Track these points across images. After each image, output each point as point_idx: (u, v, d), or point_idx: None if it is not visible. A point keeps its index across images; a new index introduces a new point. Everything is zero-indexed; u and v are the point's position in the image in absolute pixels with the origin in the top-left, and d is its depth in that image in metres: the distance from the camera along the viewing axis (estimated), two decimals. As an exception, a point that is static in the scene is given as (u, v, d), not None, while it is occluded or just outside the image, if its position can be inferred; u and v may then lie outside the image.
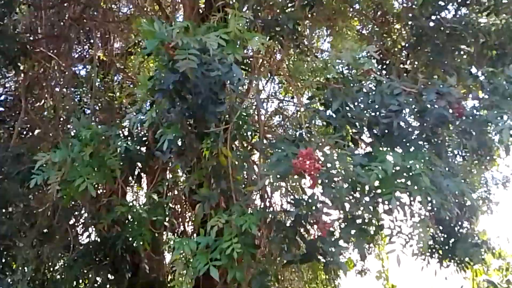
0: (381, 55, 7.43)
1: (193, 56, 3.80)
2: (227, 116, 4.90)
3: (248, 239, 4.23)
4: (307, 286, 10.12)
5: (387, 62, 7.58)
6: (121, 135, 5.08)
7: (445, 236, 6.67)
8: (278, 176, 4.10)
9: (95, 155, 4.77)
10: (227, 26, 4.30)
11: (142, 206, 5.48)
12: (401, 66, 7.61)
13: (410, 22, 7.46)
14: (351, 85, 4.67)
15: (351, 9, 8.12)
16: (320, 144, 4.21)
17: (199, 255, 4.16)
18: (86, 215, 7.79)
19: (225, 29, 4.18)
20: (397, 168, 3.95)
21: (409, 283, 11.66)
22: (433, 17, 6.72)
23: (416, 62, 7.54)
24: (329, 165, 3.96)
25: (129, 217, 5.56)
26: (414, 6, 7.44)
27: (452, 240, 6.68)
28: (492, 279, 11.15)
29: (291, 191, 4.79)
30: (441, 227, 6.25)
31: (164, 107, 4.36)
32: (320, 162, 3.88)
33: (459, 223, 6.85)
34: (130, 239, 5.24)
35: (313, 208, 4.17)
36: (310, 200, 4.21)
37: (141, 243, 5.27)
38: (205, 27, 4.31)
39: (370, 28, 8.90)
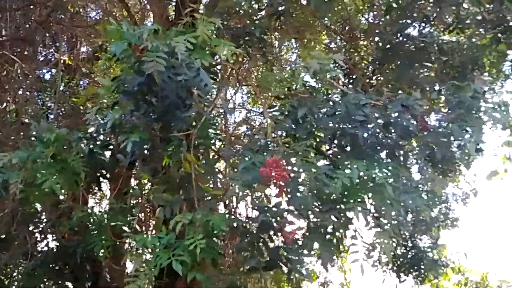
0: (347, 70, 7.54)
1: (160, 59, 3.76)
2: (193, 122, 4.84)
3: (212, 242, 4.11)
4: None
5: (354, 76, 7.68)
6: (84, 138, 4.95)
7: (405, 249, 6.76)
8: (245, 184, 4.06)
9: (57, 158, 4.63)
10: (195, 31, 4.27)
11: (102, 212, 5.36)
12: (367, 81, 7.72)
13: (376, 38, 7.60)
14: (317, 95, 4.70)
15: (320, 23, 8.21)
16: (286, 153, 4.20)
17: (160, 252, 3.99)
18: (45, 222, 7.59)
19: (194, 33, 4.14)
20: (361, 178, 3.98)
21: (371, 296, 11.73)
22: (399, 34, 6.85)
23: (381, 77, 7.66)
24: (293, 174, 3.96)
25: (89, 224, 5.42)
26: (380, 23, 7.60)
27: (411, 253, 6.78)
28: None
29: (256, 200, 4.74)
30: (400, 240, 6.33)
31: (128, 109, 4.26)
32: (287, 170, 3.88)
33: (418, 237, 6.97)
34: (90, 245, 5.10)
35: (278, 216, 4.15)
36: (275, 209, 4.16)
37: (101, 250, 5.14)
38: (174, 31, 4.26)
39: (337, 43, 9.03)
